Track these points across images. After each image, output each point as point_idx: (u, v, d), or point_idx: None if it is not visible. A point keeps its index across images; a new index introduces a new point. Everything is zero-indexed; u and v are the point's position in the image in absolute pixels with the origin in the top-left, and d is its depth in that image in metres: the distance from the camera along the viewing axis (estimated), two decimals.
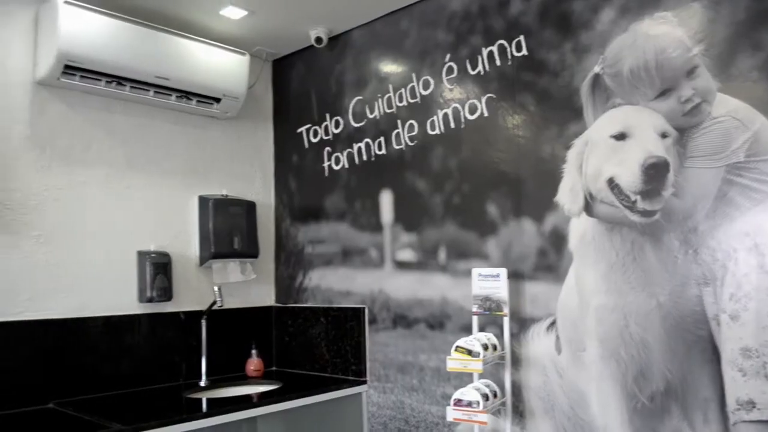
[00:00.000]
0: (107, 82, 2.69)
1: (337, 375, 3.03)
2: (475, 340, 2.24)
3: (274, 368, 3.33)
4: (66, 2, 2.52)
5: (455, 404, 2.20)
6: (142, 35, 2.73)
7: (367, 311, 2.96)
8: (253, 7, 2.84)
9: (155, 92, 2.84)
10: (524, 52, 2.46)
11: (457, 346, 2.24)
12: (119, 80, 2.72)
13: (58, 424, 2.23)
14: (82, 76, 2.62)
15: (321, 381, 2.95)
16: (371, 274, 2.96)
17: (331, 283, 3.15)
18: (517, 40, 2.48)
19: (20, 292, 2.51)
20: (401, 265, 2.85)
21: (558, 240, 2.32)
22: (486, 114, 2.57)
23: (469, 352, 2.20)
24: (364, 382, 2.92)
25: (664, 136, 2.05)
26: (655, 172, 2.04)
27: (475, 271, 2.42)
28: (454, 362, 2.23)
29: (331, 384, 2.88)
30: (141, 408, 2.50)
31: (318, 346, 3.15)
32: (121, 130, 2.89)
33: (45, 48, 2.57)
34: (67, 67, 2.55)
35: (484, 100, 2.58)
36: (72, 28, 2.52)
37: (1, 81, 2.54)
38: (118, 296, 2.80)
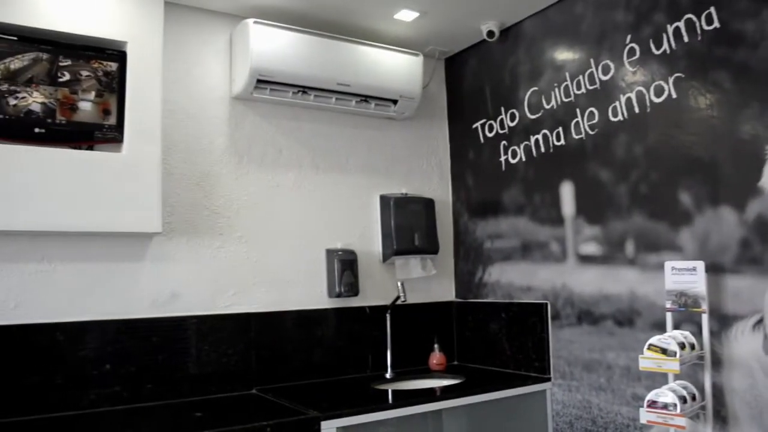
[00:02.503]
0: (294, 92, 2.89)
1: (520, 371, 2.99)
2: (671, 338, 2.10)
3: (455, 362, 3.37)
4: (256, 22, 2.75)
5: (649, 406, 2.08)
6: (324, 45, 2.90)
7: (549, 307, 2.89)
8: (425, 8, 2.90)
9: (337, 99, 3.00)
10: (716, 24, 2.25)
11: (650, 345, 2.11)
12: (304, 90, 2.90)
13: (263, 409, 2.42)
14: (272, 89, 2.83)
15: (503, 377, 2.93)
16: (553, 268, 2.89)
17: (512, 278, 3.11)
18: (706, 12, 2.28)
19: (228, 287, 2.79)
20: (585, 259, 2.74)
21: (764, 229, 2.09)
22: (674, 95, 2.40)
23: (664, 351, 2.07)
24: (548, 380, 2.85)
25: None
26: None
27: (668, 265, 2.26)
28: (648, 361, 2.10)
29: (513, 380, 2.84)
30: (332, 396, 2.64)
31: (499, 342, 3.13)
32: (307, 137, 3.09)
33: (239, 65, 2.82)
34: (259, 81, 2.77)
35: (671, 80, 2.41)
36: (262, 45, 2.74)
37: (204, 98, 2.83)
38: (309, 291, 3.00)
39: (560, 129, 2.87)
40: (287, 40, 2.80)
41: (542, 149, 2.97)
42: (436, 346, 3.18)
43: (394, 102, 3.15)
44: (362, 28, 3.08)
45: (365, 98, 3.07)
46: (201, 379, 2.66)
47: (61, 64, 2.33)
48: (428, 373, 3.11)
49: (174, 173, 2.70)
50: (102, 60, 2.40)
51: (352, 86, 2.98)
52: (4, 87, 2.22)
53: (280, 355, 2.87)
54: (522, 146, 3.07)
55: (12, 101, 2.23)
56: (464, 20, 3.07)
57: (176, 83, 2.74)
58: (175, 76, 2.74)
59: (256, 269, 2.87)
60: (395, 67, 3.09)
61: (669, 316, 2.26)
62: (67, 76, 2.33)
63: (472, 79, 3.42)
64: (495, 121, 3.25)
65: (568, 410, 2.77)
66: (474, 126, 3.38)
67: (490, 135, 3.28)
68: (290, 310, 2.92)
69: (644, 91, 2.50)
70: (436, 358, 3.17)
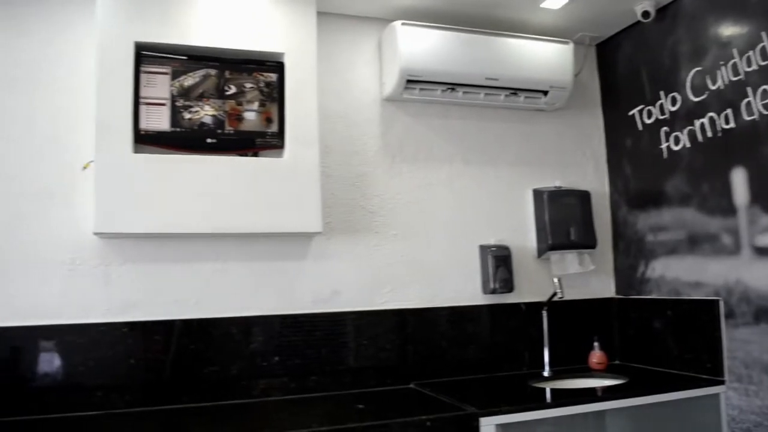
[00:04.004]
0: (442, 90, 2.91)
1: (688, 373, 2.80)
2: None
3: (617, 362, 3.22)
4: (403, 24, 2.80)
5: None
6: (470, 41, 2.89)
7: (722, 304, 2.68)
8: None
9: (485, 94, 2.98)
10: None
11: None
12: (453, 87, 2.91)
13: (421, 403, 2.47)
14: (421, 89, 2.87)
15: (670, 378, 2.76)
16: (725, 262, 2.67)
17: (677, 273, 2.92)
18: None
19: (384, 284, 2.87)
20: (763, 252, 2.51)
21: None
22: None
23: None
24: (722, 383, 2.63)
25: None
26: None
27: None
28: None
29: (681, 382, 2.67)
30: (490, 393, 2.64)
31: (664, 341, 2.95)
32: (456, 133, 3.10)
33: (389, 67, 2.89)
34: (408, 81, 2.82)
35: None
36: (410, 46, 2.79)
37: (356, 102, 2.94)
38: (463, 287, 3.00)
39: (729, 111, 2.65)
40: (434, 38, 2.83)
41: (708, 134, 2.76)
42: (596, 344, 3.06)
43: (545, 93, 3.08)
44: (508, 20, 3.04)
45: (514, 91, 3.02)
46: (361, 373, 2.76)
47: (227, 78, 2.52)
48: (588, 372, 3.00)
49: (332, 175, 2.82)
50: (263, 72, 2.56)
51: (501, 80, 2.94)
52: (180, 103, 2.44)
53: (435, 350, 2.90)
54: (685, 131, 2.88)
55: (187, 115, 2.45)
56: (616, 3, 2.93)
57: (330, 89, 2.87)
58: (328, 82, 2.86)
59: (411, 266, 2.93)
60: (544, 58, 3.02)
61: None
62: (233, 89, 2.52)
63: (627, 64, 3.25)
64: (654, 107, 3.07)
65: (746, 416, 2.56)
66: (631, 113, 3.21)
67: (648, 121, 3.10)
68: (445, 306, 2.95)
69: None
70: (597, 356, 3.05)
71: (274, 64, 2.58)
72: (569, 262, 3.16)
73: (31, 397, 2.34)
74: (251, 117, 2.53)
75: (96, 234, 2.37)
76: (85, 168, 2.45)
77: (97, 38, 2.35)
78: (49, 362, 2.38)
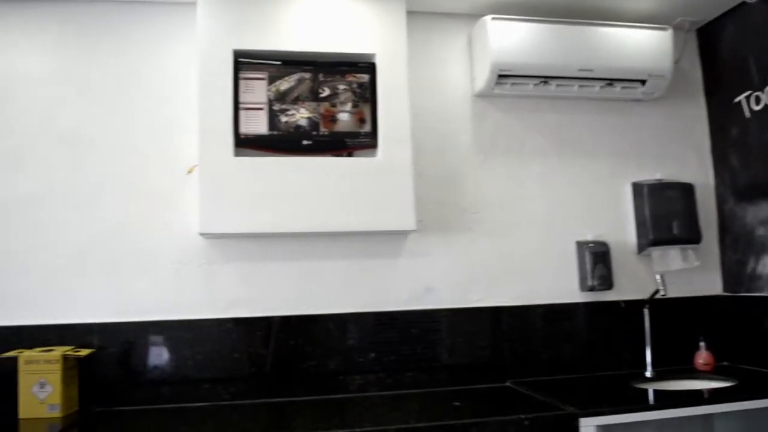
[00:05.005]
0: (535, 84, 2.86)
1: None
2: None
3: (725, 363, 3.06)
4: (493, 18, 2.77)
5: None
6: (562, 32, 2.82)
7: None
8: None
9: (579, 86, 2.91)
10: None
11: None
12: (545, 80, 2.86)
13: (518, 402, 2.44)
14: (513, 83, 2.84)
15: None
16: None
17: None
18: None
19: (478, 281, 2.86)
20: None
21: None
22: None
23: None
24: None
25: None
26: None
27: None
28: None
29: None
30: (590, 393, 2.57)
31: None
32: (549, 127, 3.04)
33: (480, 63, 2.88)
34: (499, 76, 2.80)
35: None
36: (501, 41, 2.76)
37: (447, 99, 2.94)
38: (559, 285, 2.94)
39: None
40: (525, 31, 2.79)
41: None
42: (702, 344, 2.91)
43: (642, 83, 2.96)
44: (602, 8, 2.95)
45: (610, 82, 2.93)
46: (456, 370, 2.76)
47: (320, 80, 2.58)
48: (693, 374, 2.86)
49: (424, 173, 2.83)
50: (355, 73, 2.61)
51: (596, 71, 2.86)
52: (277, 107, 2.53)
53: (531, 348, 2.86)
54: None
55: (284, 119, 2.53)
56: None
57: (421, 87, 2.87)
58: (419, 80, 2.86)
59: (506, 263, 2.90)
60: (641, 46, 2.91)
61: None
62: (326, 92, 2.58)
63: (731, 48, 3.08)
64: (762, 92, 2.89)
65: None
66: (736, 100, 3.04)
67: (757, 108, 2.93)
68: (541, 303, 2.90)
69: None
70: (703, 357, 2.90)
71: (365, 65, 2.62)
72: (672, 257, 3.03)
73: (145, 388, 2.50)
74: (345, 118, 2.59)
75: (201, 234, 2.49)
76: (189, 172, 2.57)
77: (198, 48, 2.48)
78: (160, 356, 2.54)
